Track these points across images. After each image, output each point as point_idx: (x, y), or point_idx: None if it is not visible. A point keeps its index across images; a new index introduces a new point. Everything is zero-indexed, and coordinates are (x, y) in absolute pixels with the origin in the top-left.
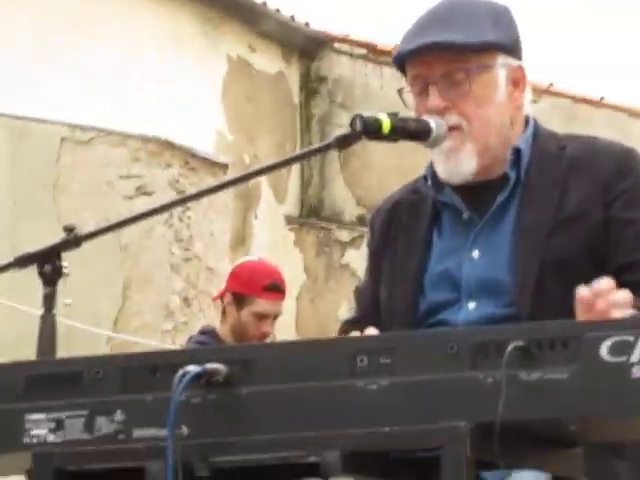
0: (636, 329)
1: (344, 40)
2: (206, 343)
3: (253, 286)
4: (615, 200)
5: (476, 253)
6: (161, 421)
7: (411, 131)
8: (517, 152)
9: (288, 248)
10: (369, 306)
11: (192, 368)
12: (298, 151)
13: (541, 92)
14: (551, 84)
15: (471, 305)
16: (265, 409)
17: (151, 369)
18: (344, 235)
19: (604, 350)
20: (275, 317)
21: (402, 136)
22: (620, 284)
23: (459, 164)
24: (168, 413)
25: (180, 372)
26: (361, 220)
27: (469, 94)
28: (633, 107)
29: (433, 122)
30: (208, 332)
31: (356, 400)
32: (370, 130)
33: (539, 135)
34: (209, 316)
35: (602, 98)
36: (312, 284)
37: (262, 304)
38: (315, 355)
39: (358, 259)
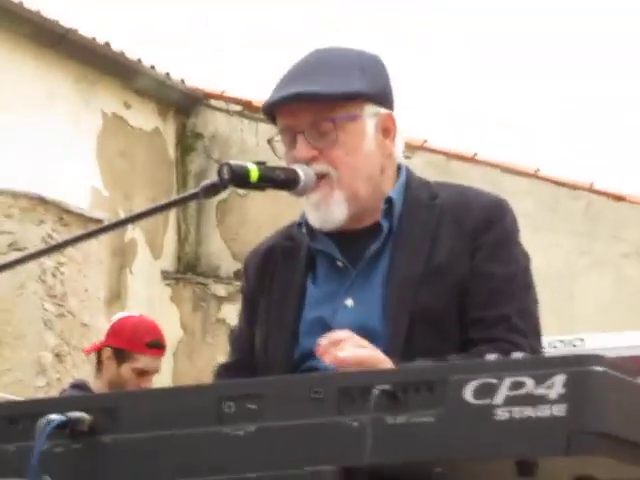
0: (499, 371)
1: (220, 97)
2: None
3: (135, 342)
4: (479, 250)
5: (350, 301)
6: (24, 471)
7: (279, 180)
8: (389, 201)
9: (164, 304)
10: (245, 350)
11: (55, 417)
12: (165, 200)
13: (415, 148)
14: (425, 140)
15: None
16: (131, 458)
17: (12, 418)
18: (221, 290)
19: (468, 393)
20: (154, 374)
21: (270, 185)
22: (468, 337)
23: (329, 212)
24: (30, 463)
25: (42, 421)
26: (237, 275)
27: (337, 143)
28: (506, 163)
29: (301, 171)
30: (80, 385)
31: (223, 447)
32: (238, 179)
33: (411, 184)
34: (83, 372)
35: (475, 154)
36: (189, 339)
37: (144, 360)
38: (181, 402)
39: (235, 314)
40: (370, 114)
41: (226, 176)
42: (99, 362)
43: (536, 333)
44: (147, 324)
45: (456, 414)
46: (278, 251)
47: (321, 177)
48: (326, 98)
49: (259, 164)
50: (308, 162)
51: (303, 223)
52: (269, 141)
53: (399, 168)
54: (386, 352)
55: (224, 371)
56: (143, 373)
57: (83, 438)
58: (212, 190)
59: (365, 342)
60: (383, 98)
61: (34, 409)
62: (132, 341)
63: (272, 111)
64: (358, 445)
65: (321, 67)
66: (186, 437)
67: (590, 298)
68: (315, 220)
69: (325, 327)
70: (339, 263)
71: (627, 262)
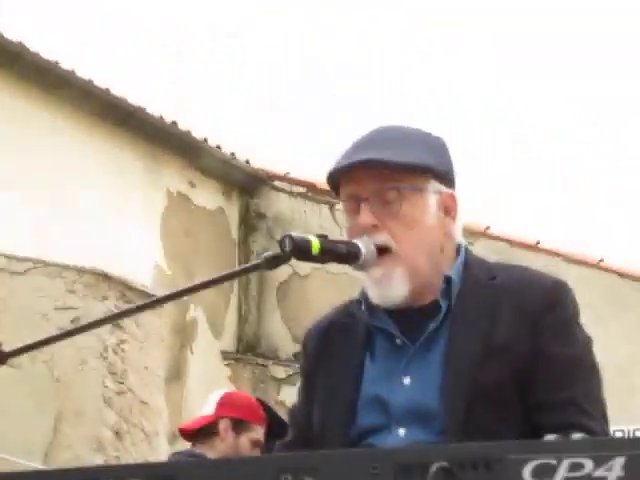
0: (558, 452)
1: (284, 178)
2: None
3: (255, 414)
4: (542, 333)
5: (407, 379)
6: None
7: (340, 253)
8: (448, 281)
9: (223, 383)
10: (303, 427)
11: None
12: (228, 270)
13: (478, 235)
14: (488, 227)
15: (401, 431)
16: None
17: None
18: (280, 372)
19: (527, 473)
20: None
21: (331, 258)
22: (536, 422)
23: (391, 289)
24: None
25: None
26: (297, 357)
27: (399, 214)
28: (568, 252)
29: (362, 245)
30: (197, 455)
31: None
32: (299, 250)
33: (470, 264)
34: (141, 450)
35: (538, 242)
36: None
37: (261, 432)
38: (239, 473)
39: (294, 396)
40: (434, 190)
41: (288, 247)
42: (212, 434)
43: (603, 415)
44: (255, 399)
45: None
46: (337, 328)
47: (382, 251)
48: (394, 166)
49: (320, 237)
50: (369, 230)
51: (363, 300)
52: (331, 208)
53: (458, 248)
54: (444, 431)
55: (283, 448)
56: (257, 444)
57: None
58: (274, 261)
59: None
60: (447, 177)
61: (94, 476)
62: (252, 413)
63: (336, 180)
64: None
65: (388, 139)
66: None
67: None
68: (376, 296)
69: (382, 405)
70: (398, 341)
71: None
